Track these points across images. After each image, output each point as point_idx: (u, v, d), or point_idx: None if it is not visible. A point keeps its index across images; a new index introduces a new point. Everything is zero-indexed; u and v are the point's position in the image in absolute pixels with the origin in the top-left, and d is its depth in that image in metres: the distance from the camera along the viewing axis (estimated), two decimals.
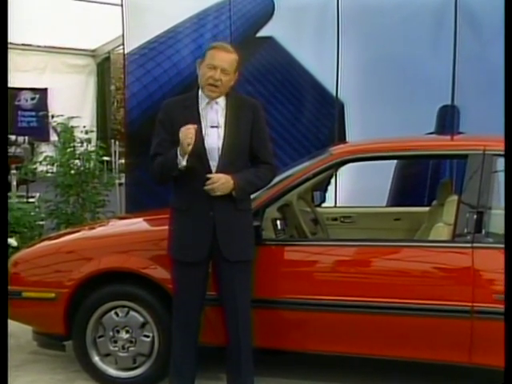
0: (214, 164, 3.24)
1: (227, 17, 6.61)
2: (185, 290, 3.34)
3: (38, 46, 12.43)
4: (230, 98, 3.33)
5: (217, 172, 3.22)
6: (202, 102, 3.30)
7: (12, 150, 8.99)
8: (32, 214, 6.73)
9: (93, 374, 3.83)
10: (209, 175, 3.18)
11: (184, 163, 3.17)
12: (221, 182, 3.17)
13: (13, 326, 3.21)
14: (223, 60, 3.22)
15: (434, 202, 4.46)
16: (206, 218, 3.25)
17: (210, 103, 3.29)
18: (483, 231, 3.34)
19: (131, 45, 6.81)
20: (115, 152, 10.58)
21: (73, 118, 7.11)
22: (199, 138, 3.20)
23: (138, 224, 4.32)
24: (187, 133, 3.10)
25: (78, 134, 6.95)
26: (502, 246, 2.83)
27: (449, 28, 5.94)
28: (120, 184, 7.75)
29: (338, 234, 4.72)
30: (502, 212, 2.79)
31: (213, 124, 3.27)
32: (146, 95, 6.72)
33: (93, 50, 13.32)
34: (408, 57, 6.12)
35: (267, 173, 3.36)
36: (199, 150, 3.20)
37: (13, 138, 10.02)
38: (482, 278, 3.28)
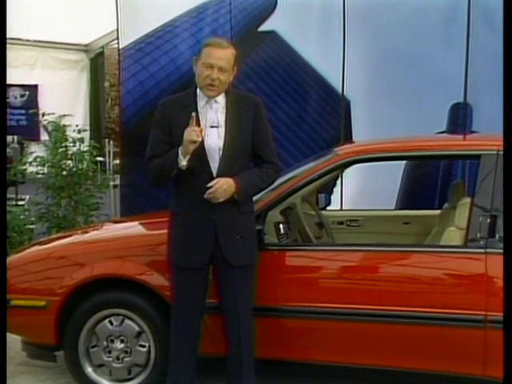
0: (214, 165, 3.25)
1: (227, 10, 6.63)
2: (184, 297, 3.34)
3: (28, 41, 12.45)
4: (229, 96, 3.34)
5: (218, 173, 3.23)
6: (201, 101, 3.31)
7: None
8: (21, 217, 6.73)
9: None
10: (209, 184, 3.17)
11: (185, 163, 3.18)
12: (222, 189, 3.18)
13: None
14: (220, 58, 3.22)
15: (446, 205, 4.46)
16: (206, 222, 3.26)
17: (209, 102, 3.30)
18: (497, 236, 3.33)
19: (126, 39, 6.82)
20: (109, 152, 10.57)
21: (65, 116, 7.11)
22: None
23: (133, 228, 4.32)
24: (191, 131, 3.12)
25: (71, 133, 6.96)
26: None
27: (461, 22, 5.95)
28: (114, 186, 7.76)
29: (343, 238, 4.72)
30: None
31: (213, 124, 3.27)
32: (142, 92, 6.73)
33: (86, 45, 13.34)
34: (418, 52, 6.13)
35: (270, 173, 3.37)
36: (199, 152, 3.21)
37: None
38: (495, 285, 3.27)
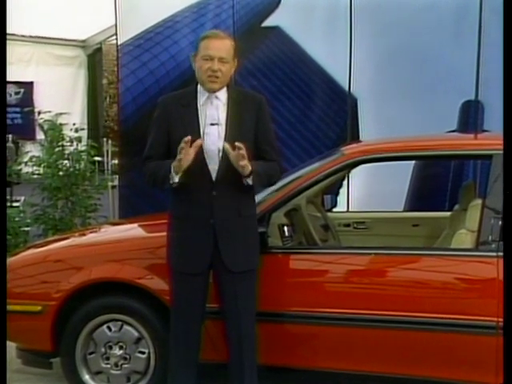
0: (214, 168, 3.24)
1: (230, 5, 6.63)
2: (184, 302, 3.35)
3: (23, 36, 12.47)
4: (231, 92, 3.34)
5: (217, 177, 3.23)
6: (201, 97, 3.31)
7: None
8: (16, 219, 6.75)
9: None
10: (237, 144, 3.08)
11: (177, 180, 3.18)
12: (241, 154, 3.09)
13: None
14: (219, 49, 3.23)
15: (456, 207, 4.46)
16: (205, 226, 3.25)
17: (210, 98, 3.29)
18: None
19: (125, 35, 6.84)
20: (108, 152, 10.60)
21: (61, 114, 7.14)
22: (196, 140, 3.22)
23: (132, 230, 4.33)
24: (180, 148, 3.09)
25: (67, 132, 6.98)
26: None
27: (473, 18, 5.94)
28: (113, 187, 7.77)
29: (350, 241, 4.72)
30: None
31: (213, 121, 3.27)
32: (141, 90, 6.75)
33: (83, 41, 13.36)
34: (428, 48, 6.13)
35: (277, 168, 3.36)
36: (197, 153, 3.19)
37: None
38: None
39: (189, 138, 3.09)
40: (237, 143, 3.08)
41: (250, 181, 3.20)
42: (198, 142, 3.14)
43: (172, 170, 3.17)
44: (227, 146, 3.13)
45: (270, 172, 3.32)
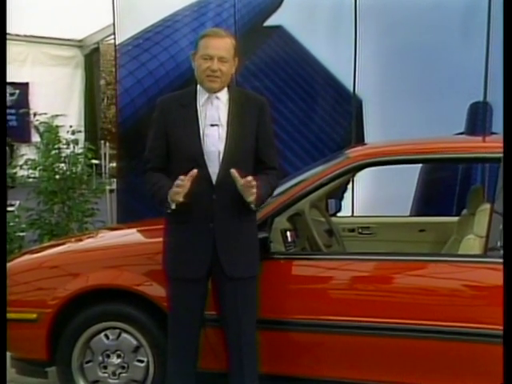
0: (213, 171, 3.24)
1: (231, 4, 6.65)
2: (182, 309, 3.35)
3: (18, 35, 12.46)
4: (232, 93, 3.35)
5: (217, 180, 3.23)
6: (201, 97, 3.31)
7: None
8: (11, 224, 6.75)
9: None
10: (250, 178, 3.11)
11: (173, 207, 3.19)
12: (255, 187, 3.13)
13: None
14: (218, 48, 3.24)
15: (464, 212, 4.46)
16: (205, 231, 3.26)
17: (210, 98, 3.30)
18: None
19: (123, 34, 6.86)
20: (105, 155, 10.61)
21: (57, 116, 7.13)
22: (197, 141, 3.23)
23: (130, 235, 4.33)
24: (178, 185, 3.11)
25: (64, 135, 6.98)
26: None
27: (481, 17, 5.95)
28: (111, 190, 7.77)
29: (355, 246, 4.73)
30: None
31: (213, 122, 3.27)
32: (140, 91, 6.76)
33: (80, 40, 13.35)
34: (435, 48, 6.14)
35: (276, 180, 3.38)
36: (196, 156, 3.21)
37: None
38: None
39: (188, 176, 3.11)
40: (249, 178, 3.10)
41: (253, 206, 3.23)
42: (194, 171, 3.12)
43: (169, 198, 3.18)
44: (235, 173, 3.12)
45: (269, 191, 3.34)
